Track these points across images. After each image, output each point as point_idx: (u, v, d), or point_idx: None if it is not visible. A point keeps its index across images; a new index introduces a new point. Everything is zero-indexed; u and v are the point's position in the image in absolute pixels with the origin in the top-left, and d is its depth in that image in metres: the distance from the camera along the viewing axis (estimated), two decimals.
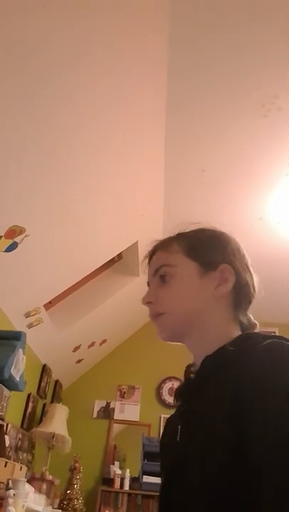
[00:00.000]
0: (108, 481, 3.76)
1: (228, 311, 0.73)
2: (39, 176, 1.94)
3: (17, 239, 2.12)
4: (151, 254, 0.81)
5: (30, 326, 2.86)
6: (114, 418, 4.24)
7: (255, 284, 0.77)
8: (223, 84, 2.12)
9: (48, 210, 2.17)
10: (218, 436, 0.56)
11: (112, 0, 1.55)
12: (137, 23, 1.72)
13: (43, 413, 3.62)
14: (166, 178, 2.79)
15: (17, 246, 2.16)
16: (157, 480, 3.15)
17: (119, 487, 3.66)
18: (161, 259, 0.78)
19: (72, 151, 1.97)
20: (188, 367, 0.77)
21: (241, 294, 0.74)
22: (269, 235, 3.26)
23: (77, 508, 3.01)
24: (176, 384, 4.23)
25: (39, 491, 2.72)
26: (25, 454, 3.11)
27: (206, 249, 0.76)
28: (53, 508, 2.83)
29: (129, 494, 3.61)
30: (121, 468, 3.81)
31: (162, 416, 4.10)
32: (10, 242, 2.11)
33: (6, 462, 2.27)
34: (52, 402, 3.83)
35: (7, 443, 2.58)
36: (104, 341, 4.17)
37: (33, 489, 2.38)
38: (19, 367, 2.15)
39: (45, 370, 3.57)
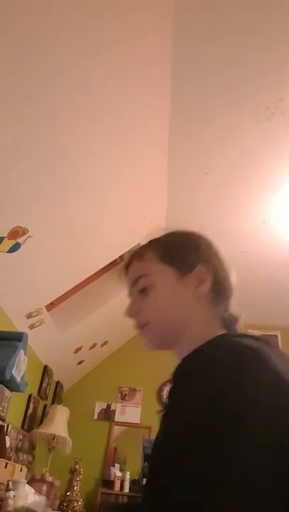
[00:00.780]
0: (108, 483, 3.75)
1: (209, 309, 0.73)
2: (42, 177, 1.94)
3: (20, 240, 2.13)
4: (128, 265, 0.81)
5: (31, 326, 2.86)
6: (115, 420, 4.23)
7: (233, 278, 0.77)
8: (226, 87, 2.12)
9: (50, 212, 2.17)
10: (167, 440, 0.58)
11: (117, 3, 1.55)
12: (140, 26, 1.73)
13: (44, 414, 3.62)
14: (169, 180, 2.79)
15: (20, 247, 2.17)
16: None
17: (119, 489, 3.65)
18: (137, 270, 0.77)
19: (76, 153, 1.98)
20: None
21: (220, 291, 0.75)
22: (272, 237, 3.25)
23: (77, 509, 3.00)
24: None
25: (39, 492, 2.71)
26: (25, 455, 3.11)
27: (180, 253, 0.76)
28: (53, 509, 2.82)
29: (129, 496, 3.60)
30: (121, 470, 3.81)
31: None
32: (13, 242, 2.12)
33: (7, 463, 2.27)
34: (53, 403, 3.83)
35: (7, 444, 2.58)
36: (105, 343, 4.17)
37: (33, 490, 2.37)
38: (20, 368, 2.15)
39: (46, 371, 3.57)
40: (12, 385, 2.14)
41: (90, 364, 4.33)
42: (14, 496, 1.90)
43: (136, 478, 3.70)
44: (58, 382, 4.05)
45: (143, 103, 2.08)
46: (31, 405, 3.26)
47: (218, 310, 0.74)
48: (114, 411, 4.28)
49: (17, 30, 1.35)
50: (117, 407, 4.31)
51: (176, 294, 0.73)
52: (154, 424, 4.09)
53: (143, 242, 0.84)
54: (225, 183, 2.78)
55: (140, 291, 0.76)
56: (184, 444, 0.52)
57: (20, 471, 2.43)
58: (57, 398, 3.97)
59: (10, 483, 2.01)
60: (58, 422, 3.36)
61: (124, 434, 4.17)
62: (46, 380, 3.60)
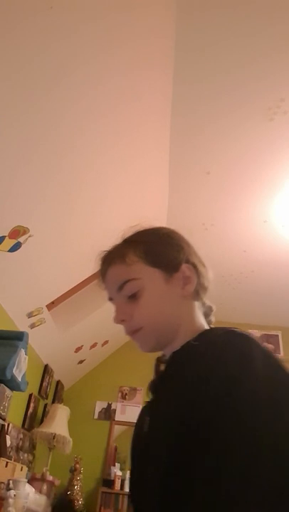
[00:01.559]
0: (108, 482, 3.75)
1: (193, 305, 0.76)
2: (43, 177, 1.94)
3: (21, 239, 2.13)
4: (107, 267, 0.78)
5: (32, 326, 2.86)
6: (116, 419, 4.24)
7: (208, 273, 0.78)
8: (228, 87, 2.11)
9: (51, 211, 2.17)
10: (170, 426, 0.59)
11: (119, 4, 1.55)
12: (143, 27, 1.72)
13: (44, 413, 3.62)
14: (170, 180, 2.79)
15: (20, 246, 2.17)
16: None
17: (119, 488, 3.66)
18: (122, 274, 0.75)
19: (77, 152, 1.97)
20: (158, 360, 0.80)
21: (202, 287, 0.76)
22: (273, 237, 3.25)
23: (78, 509, 3.00)
24: None
25: (39, 491, 2.71)
26: (26, 455, 3.11)
27: (165, 253, 0.76)
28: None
29: (129, 496, 3.60)
30: (121, 469, 3.81)
31: None
32: (13, 242, 2.12)
33: (7, 462, 2.27)
34: (53, 402, 3.83)
35: (8, 443, 2.59)
36: (106, 342, 4.17)
37: (34, 490, 2.38)
38: (21, 367, 2.15)
39: (46, 370, 3.57)
40: (13, 385, 2.14)
41: (90, 363, 4.33)
42: (15, 495, 1.90)
43: None
44: (58, 382, 4.06)
45: (144, 103, 2.08)
46: (32, 404, 3.26)
47: (198, 305, 0.77)
48: (114, 410, 4.28)
49: (17, 30, 1.34)
50: (117, 406, 4.31)
51: (166, 295, 0.73)
52: None
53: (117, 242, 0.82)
54: (226, 182, 2.78)
55: (129, 296, 0.74)
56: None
57: (21, 470, 2.44)
58: (57, 397, 3.97)
59: (10, 482, 2.01)
60: (59, 422, 3.36)
61: (125, 434, 4.17)
62: (47, 380, 3.60)
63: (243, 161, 2.58)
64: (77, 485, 3.09)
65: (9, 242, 2.11)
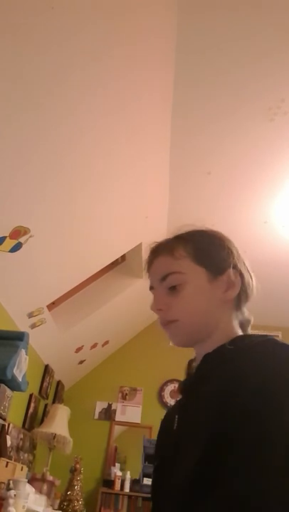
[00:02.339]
0: (109, 482, 3.75)
1: (232, 312, 0.76)
2: (44, 177, 1.94)
3: (21, 239, 2.13)
4: (153, 258, 0.80)
5: (33, 326, 2.86)
6: (116, 420, 4.24)
7: (255, 285, 0.80)
8: (229, 87, 2.12)
9: (52, 211, 2.18)
10: (202, 429, 0.59)
11: (120, 5, 1.55)
12: (145, 28, 1.73)
13: (45, 414, 3.63)
14: (171, 180, 2.79)
15: (21, 246, 2.17)
16: None
17: (119, 489, 3.65)
18: (169, 266, 0.76)
19: (78, 152, 1.98)
20: (190, 362, 0.81)
21: (244, 296, 0.77)
22: (274, 238, 3.25)
23: (78, 509, 3.00)
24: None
25: (40, 491, 2.71)
26: (26, 455, 3.11)
27: (214, 255, 0.76)
28: (54, 509, 2.82)
29: (130, 496, 3.61)
30: (122, 470, 3.81)
31: None
32: (14, 242, 2.12)
33: (7, 462, 2.27)
34: (53, 402, 3.83)
35: (8, 443, 2.59)
36: (106, 342, 4.17)
37: (34, 490, 2.38)
38: (22, 367, 2.15)
39: (47, 370, 3.57)
40: (13, 385, 2.14)
41: (90, 364, 4.33)
42: (15, 495, 1.90)
43: (136, 478, 3.70)
44: (58, 382, 4.06)
45: (145, 103, 2.08)
46: (32, 405, 3.26)
47: (237, 312, 0.78)
48: (114, 410, 4.28)
49: (18, 30, 1.35)
50: (117, 406, 4.31)
51: (206, 295, 0.74)
52: (155, 424, 4.09)
53: (146, 242, 0.84)
54: (227, 182, 2.78)
55: (170, 288, 0.75)
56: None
57: (21, 470, 2.44)
58: (58, 397, 3.97)
59: (10, 482, 2.01)
60: (59, 422, 3.36)
61: (125, 434, 4.17)
62: (47, 380, 3.60)
63: (244, 161, 2.58)
64: (77, 485, 3.09)
65: (10, 243, 2.11)
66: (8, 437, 2.60)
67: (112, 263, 3.29)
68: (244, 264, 0.79)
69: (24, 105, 1.56)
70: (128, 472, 3.73)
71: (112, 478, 3.74)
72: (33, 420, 3.32)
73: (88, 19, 1.49)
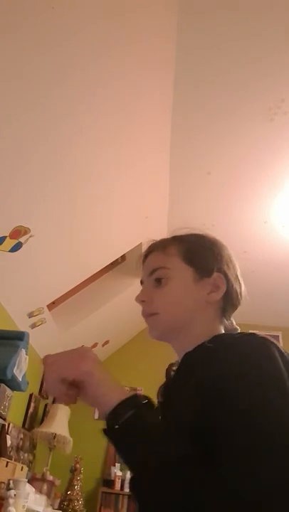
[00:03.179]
0: (109, 482, 3.75)
1: (216, 315, 0.79)
2: (44, 177, 1.94)
3: (21, 239, 2.13)
4: (147, 254, 0.84)
5: (33, 326, 2.86)
6: None
7: (243, 292, 0.82)
8: (229, 87, 2.12)
9: (52, 211, 2.18)
10: (187, 424, 0.60)
11: (121, 5, 1.55)
12: (145, 27, 1.73)
13: (45, 413, 3.63)
14: (171, 180, 2.79)
15: (21, 246, 2.17)
16: None
17: (119, 489, 3.66)
18: (158, 261, 0.80)
19: (78, 152, 1.98)
20: (170, 366, 0.82)
21: (229, 301, 0.80)
22: (274, 238, 3.25)
23: (78, 509, 3.00)
24: None
25: (40, 491, 2.71)
26: (26, 454, 3.11)
27: (203, 257, 0.80)
28: (54, 508, 2.82)
29: (130, 496, 3.60)
30: (122, 469, 3.81)
31: None
32: (14, 242, 2.12)
33: (7, 462, 2.27)
34: (54, 402, 3.82)
35: (8, 443, 2.59)
36: (106, 342, 4.17)
37: (34, 490, 2.38)
38: (22, 367, 2.15)
39: None
40: (13, 384, 2.14)
41: None
42: (15, 494, 1.90)
43: None
44: None
45: (145, 103, 2.08)
46: (32, 404, 3.26)
47: (222, 317, 0.79)
48: None
49: (18, 30, 1.35)
50: None
51: (189, 293, 0.77)
52: None
53: (146, 242, 0.87)
54: (227, 183, 2.78)
55: (156, 280, 0.79)
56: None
57: (21, 470, 2.44)
58: None
59: (11, 482, 2.01)
60: (59, 421, 3.36)
61: None
62: None
63: (244, 161, 2.58)
64: (77, 485, 3.09)
65: (10, 243, 2.11)
66: (8, 437, 2.60)
67: (112, 263, 3.29)
68: (234, 271, 0.81)
69: (24, 105, 1.57)
70: (128, 472, 3.73)
71: (112, 478, 3.74)
72: (33, 420, 3.32)
73: (88, 19, 1.49)
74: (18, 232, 2.08)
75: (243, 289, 0.82)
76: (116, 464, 3.88)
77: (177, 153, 2.55)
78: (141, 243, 3.12)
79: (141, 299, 0.79)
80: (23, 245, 2.17)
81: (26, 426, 3.16)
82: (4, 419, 2.22)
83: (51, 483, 2.95)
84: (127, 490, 3.63)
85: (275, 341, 0.63)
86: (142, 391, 4.61)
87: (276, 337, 4.41)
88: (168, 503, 0.50)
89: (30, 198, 1.99)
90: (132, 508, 3.56)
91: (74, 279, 2.93)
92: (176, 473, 0.51)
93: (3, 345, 2.11)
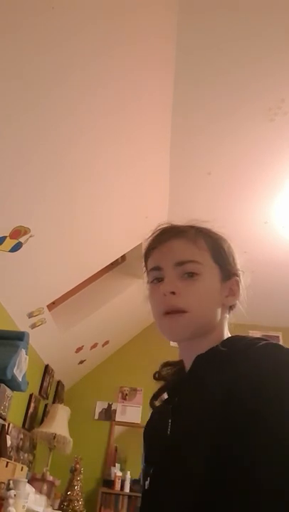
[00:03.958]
0: (109, 482, 3.75)
1: (225, 316, 0.76)
2: (44, 177, 1.94)
3: (22, 239, 2.13)
4: (171, 237, 0.76)
5: (33, 326, 2.86)
6: (116, 420, 4.24)
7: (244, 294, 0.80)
8: (229, 87, 2.11)
9: (52, 211, 2.18)
10: (208, 433, 0.58)
11: (121, 5, 1.55)
12: (145, 27, 1.73)
13: (45, 413, 3.62)
14: (171, 180, 2.79)
15: (21, 246, 2.17)
16: None
17: (119, 489, 3.66)
18: (190, 253, 0.73)
19: (78, 152, 1.98)
20: (166, 364, 0.81)
21: (235, 305, 0.78)
22: (274, 238, 3.25)
23: (78, 509, 3.00)
24: None
25: (40, 491, 2.71)
26: (26, 455, 3.11)
27: (226, 258, 0.76)
28: (54, 509, 2.82)
29: (130, 496, 3.61)
30: (122, 470, 3.81)
31: None
32: (14, 242, 2.12)
33: (7, 462, 2.27)
34: (54, 402, 3.83)
35: (8, 443, 2.59)
36: (106, 342, 4.17)
37: (34, 490, 2.38)
38: (22, 367, 2.15)
39: (47, 370, 3.57)
40: (13, 384, 2.14)
41: (91, 364, 4.33)
42: (15, 495, 1.90)
43: (136, 478, 3.70)
44: (58, 382, 4.06)
45: (145, 103, 2.08)
46: (32, 404, 3.26)
47: (228, 317, 0.77)
48: (115, 411, 4.28)
49: (18, 30, 1.35)
50: (117, 406, 4.31)
51: (216, 294, 0.73)
52: None
53: (145, 241, 0.81)
54: (227, 183, 2.78)
55: (188, 273, 0.71)
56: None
57: (21, 470, 2.44)
58: (58, 397, 3.97)
59: (11, 482, 2.01)
60: (59, 422, 3.36)
61: (125, 434, 4.17)
62: (47, 380, 3.60)
63: (244, 161, 2.58)
64: (77, 485, 3.09)
65: (10, 243, 2.11)
66: (8, 437, 2.60)
67: (112, 263, 3.29)
68: (243, 277, 0.80)
69: (24, 105, 1.56)
70: (128, 472, 3.73)
71: (112, 479, 3.74)
72: (33, 420, 3.32)
73: (88, 19, 1.49)
74: (18, 232, 2.08)
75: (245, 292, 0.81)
76: (116, 465, 3.88)
77: (177, 153, 2.55)
78: (141, 243, 3.12)
79: (171, 291, 0.70)
80: (23, 245, 2.17)
81: (26, 426, 3.16)
82: (4, 420, 2.22)
83: (51, 484, 2.95)
84: (126, 490, 3.63)
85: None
86: (142, 391, 4.64)
87: (276, 337, 4.41)
88: None
89: (30, 198, 1.99)
90: (131, 509, 3.56)
91: (74, 279, 2.93)
92: None
93: (3, 346, 2.11)
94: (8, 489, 1.95)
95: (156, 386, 0.83)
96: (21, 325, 2.75)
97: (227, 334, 0.75)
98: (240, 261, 0.80)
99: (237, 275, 0.77)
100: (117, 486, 3.67)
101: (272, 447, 0.52)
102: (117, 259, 3.31)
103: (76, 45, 1.53)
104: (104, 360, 4.52)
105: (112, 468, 3.85)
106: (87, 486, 3.63)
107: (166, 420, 0.70)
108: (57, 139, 1.81)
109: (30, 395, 3.23)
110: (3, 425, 2.49)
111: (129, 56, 1.76)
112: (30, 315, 2.76)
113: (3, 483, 2.05)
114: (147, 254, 0.78)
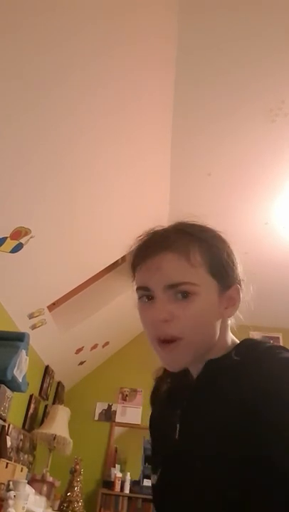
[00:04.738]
0: (109, 483, 3.75)
1: (227, 324, 0.72)
2: (45, 177, 1.94)
3: (22, 240, 2.13)
4: (159, 251, 0.67)
5: (33, 327, 2.86)
6: (116, 421, 4.23)
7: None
8: (230, 88, 2.11)
9: (53, 212, 2.17)
10: (228, 441, 0.57)
11: (121, 5, 1.55)
12: (146, 28, 1.72)
13: (45, 414, 3.62)
14: (171, 181, 2.79)
15: (22, 247, 2.17)
16: None
17: (119, 490, 3.65)
18: (183, 273, 0.64)
19: (78, 152, 1.97)
20: (162, 378, 0.79)
21: (236, 311, 0.72)
22: (275, 239, 3.24)
23: (77, 510, 2.99)
24: None
25: (40, 492, 2.71)
26: (26, 455, 3.11)
27: (225, 267, 0.68)
28: (53, 510, 2.81)
29: (130, 498, 3.60)
30: (122, 471, 3.80)
31: None
32: (15, 243, 2.12)
33: (7, 463, 2.27)
34: (54, 403, 3.82)
35: (8, 444, 2.58)
36: (106, 343, 4.17)
37: (34, 491, 2.37)
38: (22, 368, 2.14)
39: (47, 371, 3.56)
40: (13, 385, 2.13)
41: (91, 365, 4.32)
42: (15, 496, 1.89)
43: (136, 480, 3.69)
44: (59, 383, 4.05)
45: (145, 104, 2.08)
46: (32, 405, 3.26)
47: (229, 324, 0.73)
48: (115, 412, 4.28)
49: (18, 30, 1.34)
50: (117, 407, 4.30)
51: (214, 310, 0.66)
52: None
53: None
54: (227, 184, 2.77)
55: (182, 294, 0.64)
56: None
57: (21, 471, 2.43)
58: (58, 398, 3.97)
59: (10, 483, 2.01)
60: (59, 423, 3.36)
61: (125, 435, 4.17)
62: (47, 381, 3.59)
63: (244, 162, 2.57)
64: (77, 486, 3.08)
65: (11, 243, 2.11)
66: (8, 438, 2.59)
67: (113, 264, 3.28)
68: (244, 276, 0.73)
69: (24, 105, 1.56)
70: (128, 473, 3.72)
71: (112, 480, 3.73)
72: (33, 421, 3.31)
73: (88, 19, 1.49)
74: (19, 233, 2.08)
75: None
76: (116, 466, 3.87)
77: (177, 153, 2.55)
78: None
79: (163, 319, 0.63)
80: (24, 246, 2.17)
81: (26, 427, 3.15)
82: (4, 420, 2.21)
83: (51, 485, 2.94)
84: (126, 491, 3.63)
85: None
86: (142, 392, 4.63)
87: (277, 338, 4.41)
88: None
89: (30, 198, 1.98)
90: (131, 510, 3.55)
91: (74, 280, 2.92)
92: None
93: (3, 346, 2.10)
94: (8, 490, 1.94)
95: None
96: (22, 326, 2.74)
97: (232, 338, 0.72)
98: (241, 262, 0.73)
99: (237, 282, 0.70)
100: (117, 487, 3.66)
101: None
102: (117, 260, 3.31)
103: (76, 45, 1.53)
104: (104, 361, 4.52)
105: (112, 469, 3.84)
106: (87, 487, 3.62)
107: (173, 424, 0.69)
108: (57, 139, 1.80)
109: (31, 396, 3.23)
110: (3, 426, 2.48)
111: (129, 56, 1.76)
112: (31, 316, 2.76)
113: (3, 484, 2.04)
114: (134, 268, 0.71)
